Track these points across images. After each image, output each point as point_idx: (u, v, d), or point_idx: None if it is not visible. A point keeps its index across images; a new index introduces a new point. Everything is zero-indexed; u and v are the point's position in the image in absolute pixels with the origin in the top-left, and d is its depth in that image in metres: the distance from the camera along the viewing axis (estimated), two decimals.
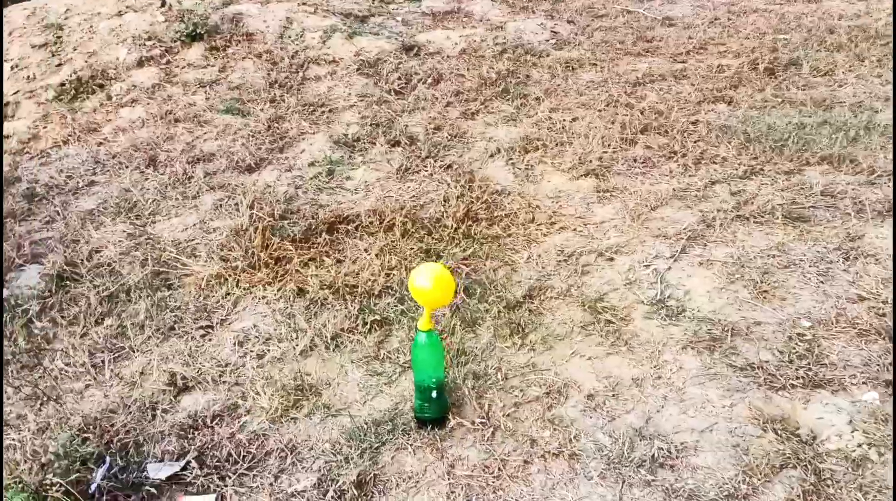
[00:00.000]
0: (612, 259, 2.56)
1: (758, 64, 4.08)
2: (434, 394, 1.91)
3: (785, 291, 2.33)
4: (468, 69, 4.19)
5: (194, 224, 2.95)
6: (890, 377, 1.95)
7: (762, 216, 2.70)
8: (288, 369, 2.18)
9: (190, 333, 2.37)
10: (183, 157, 3.45)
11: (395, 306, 2.39)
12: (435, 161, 3.25)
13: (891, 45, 4.17)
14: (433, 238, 2.71)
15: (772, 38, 4.49)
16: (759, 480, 1.70)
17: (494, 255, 2.62)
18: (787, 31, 4.62)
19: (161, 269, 2.68)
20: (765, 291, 2.33)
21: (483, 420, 1.94)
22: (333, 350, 2.24)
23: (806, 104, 3.56)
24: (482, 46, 4.49)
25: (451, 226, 2.76)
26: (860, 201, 2.73)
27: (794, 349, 2.08)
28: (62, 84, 4.16)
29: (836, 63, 4.01)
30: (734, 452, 1.79)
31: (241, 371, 2.20)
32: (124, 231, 2.93)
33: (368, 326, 2.31)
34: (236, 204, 2.99)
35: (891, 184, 2.82)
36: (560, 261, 2.56)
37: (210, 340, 2.35)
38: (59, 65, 4.32)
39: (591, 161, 3.14)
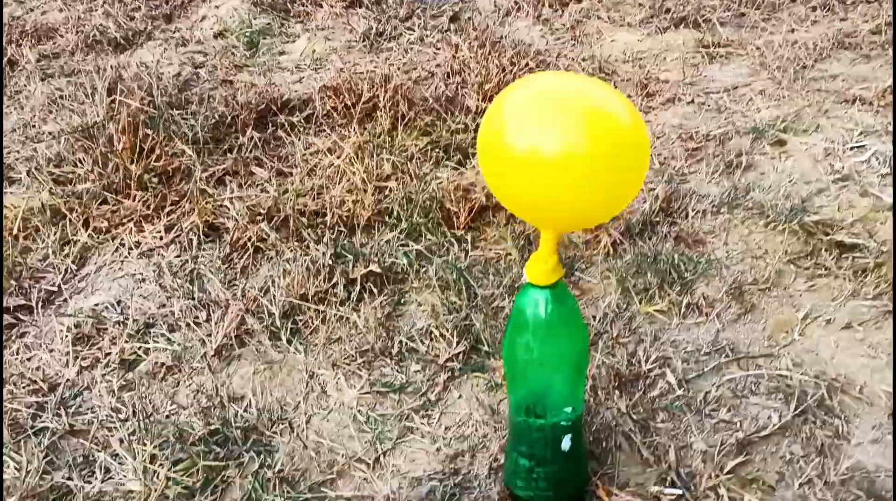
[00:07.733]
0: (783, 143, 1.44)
1: None
2: (568, 440, 0.76)
3: None
4: None
5: (13, 130, 1.67)
6: None
7: None
8: (191, 390, 0.98)
9: None
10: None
11: (404, 241, 1.21)
12: (422, 21, 2.03)
13: None
14: (449, 127, 1.53)
15: None
16: None
17: None
18: None
19: None
20: None
21: (683, 489, 0.80)
22: (288, 342, 1.05)
23: None
24: None
25: (477, 107, 1.58)
26: None
27: None
28: None
29: None
30: None
31: (86, 401, 0.99)
32: None
33: (357, 290, 1.12)
34: (88, 92, 1.71)
35: None
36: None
37: (23, 336, 1.12)
38: None
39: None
